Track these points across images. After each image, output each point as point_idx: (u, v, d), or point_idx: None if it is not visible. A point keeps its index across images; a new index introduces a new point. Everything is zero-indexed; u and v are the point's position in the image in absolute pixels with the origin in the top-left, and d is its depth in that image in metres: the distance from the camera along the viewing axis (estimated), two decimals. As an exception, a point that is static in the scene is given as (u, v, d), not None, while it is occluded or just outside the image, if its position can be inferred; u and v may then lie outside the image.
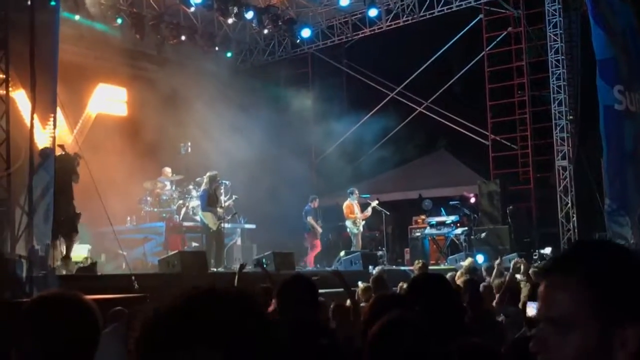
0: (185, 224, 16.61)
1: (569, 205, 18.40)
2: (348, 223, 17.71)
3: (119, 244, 14.48)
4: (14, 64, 10.92)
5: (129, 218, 16.94)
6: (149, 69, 18.37)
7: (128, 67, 18.37)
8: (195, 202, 16.43)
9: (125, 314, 7.09)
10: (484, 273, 11.75)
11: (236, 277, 7.95)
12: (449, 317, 4.02)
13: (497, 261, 12.20)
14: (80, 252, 15.02)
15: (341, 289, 10.75)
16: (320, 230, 17.77)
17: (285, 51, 22.42)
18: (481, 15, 20.68)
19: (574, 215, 18.29)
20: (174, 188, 17.35)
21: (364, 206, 17.87)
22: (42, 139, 11.44)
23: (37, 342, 2.29)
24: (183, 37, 19.47)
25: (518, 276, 11.46)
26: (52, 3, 11.91)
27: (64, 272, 13.02)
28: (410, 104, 21.73)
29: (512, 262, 12.10)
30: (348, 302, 8.00)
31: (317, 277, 7.83)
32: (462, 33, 20.83)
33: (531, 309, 8.71)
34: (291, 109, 20.43)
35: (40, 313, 2.38)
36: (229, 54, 21.37)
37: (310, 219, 17.65)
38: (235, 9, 18.84)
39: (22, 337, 2.33)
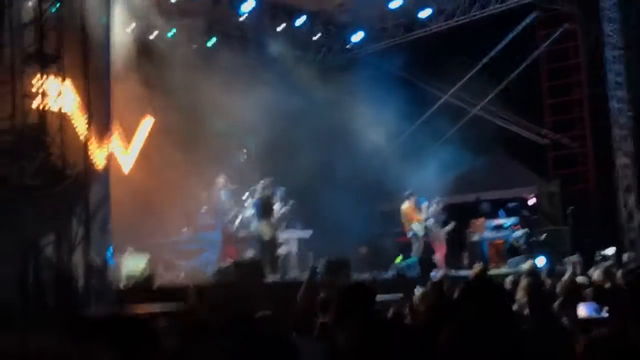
0: (241, 233, 16.59)
1: (631, 204, 17.91)
2: (414, 226, 17.42)
3: (175, 255, 14.57)
4: (69, 80, 11.03)
5: (185, 229, 17.01)
6: (201, 78, 18.40)
7: (180, 79, 18.45)
8: (250, 211, 16.41)
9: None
10: (545, 276, 11.46)
11: (305, 284, 7.66)
12: (503, 323, 3.86)
13: (573, 259, 11.93)
14: (138, 263, 15.13)
15: (400, 295, 10.63)
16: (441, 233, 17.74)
17: (336, 56, 22.34)
18: (535, 13, 20.29)
19: (637, 215, 17.80)
20: (229, 197, 17.36)
21: (419, 210, 17.66)
22: (97, 152, 11.54)
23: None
24: (234, 46, 19.55)
25: (579, 278, 11.16)
26: (104, 19, 12.05)
27: (123, 284, 13.18)
28: (464, 105, 21.45)
29: (572, 264, 11.81)
30: (407, 309, 7.86)
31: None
32: (516, 31, 20.46)
33: (582, 311, 8.46)
34: (343, 115, 20.31)
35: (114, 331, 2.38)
36: (280, 61, 21.37)
37: (432, 222, 17.63)
38: (286, 16, 18.87)
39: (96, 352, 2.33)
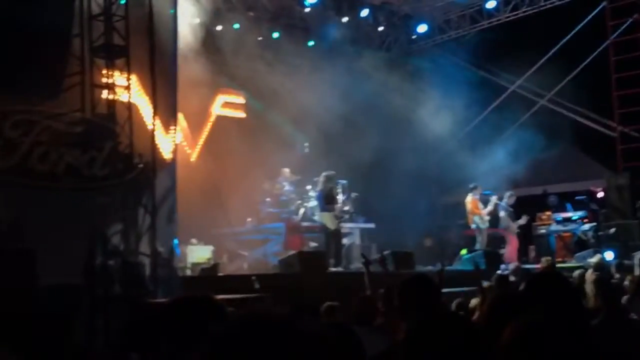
0: (304, 224, 16.65)
1: None
2: (476, 219, 17.35)
3: (239, 245, 14.70)
4: (136, 71, 11.20)
5: (249, 219, 17.14)
6: (264, 71, 18.51)
7: (245, 70, 18.58)
8: (313, 203, 16.45)
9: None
10: (614, 270, 11.23)
11: (365, 275, 7.58)
12: (572, 318, 3.78)
13: None
14: (203, 253, 15.34)
15: (465, 288, 10.52)
16: (513, 226, 17.71)
17: (402, 47, 22.24)
18: (604, 3, 19.84)
19: None
20: (292, 189, 17.44)
21: (484, 203, 17.50)
22: (163, 143, 11.71)
23: (173, 342, 2.30)
24: (298, 37, 19.62)
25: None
26: (172, 11, 12.20)
27: (188, 273, 13.37)
28: (531, 97, 21.12)
29: (638, 257, 11.61)
30: (473, 301, 7.78)
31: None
32: (585, 22, 20.04)
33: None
34: (408, 106, 20.19)
35: (178, 314, 2.40)
36: (344, 52, 21.36)
37: (503, 215, 17.61)
38: (350, 7, 18.84)
39: (157, 337, 2.35)
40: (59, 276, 8.54)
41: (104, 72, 10.68)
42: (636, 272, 10.69)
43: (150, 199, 10.93)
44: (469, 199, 17.44)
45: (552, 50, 20.40)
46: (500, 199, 17.76)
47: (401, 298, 4.44)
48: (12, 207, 9.40)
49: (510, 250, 17.47)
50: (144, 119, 11.39)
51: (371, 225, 18.10)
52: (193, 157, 18.03)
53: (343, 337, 3.29)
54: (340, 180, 16.06)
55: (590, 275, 9.73)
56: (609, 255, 15.44)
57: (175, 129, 12.39)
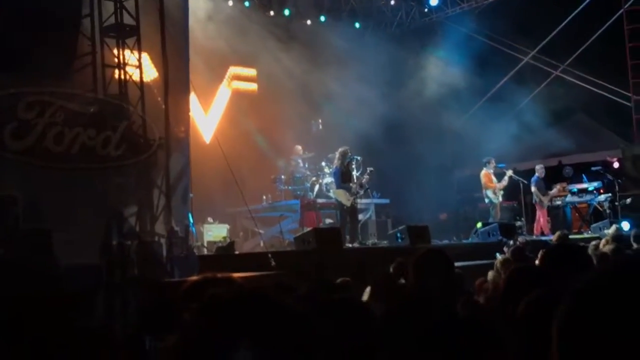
0: (319, 200, 16.66)
1: None
2: (489, 193, 17.36)
3: (255, 223, 14.72)
4: (147, 50, 11.17)
5: (264, 197, 17.18)
6: (277, 48, 18.47)
7: (257, 47, 18.54)
8: (328, 179, 16.44)
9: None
10: (632, 240, 11.17)
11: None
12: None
13: None
14: (219, 231, 15.40)
15: (479, 262, 10.53)
16: (544, 199, 17.76)
17: (414, 21, 22.13)
18: (618, -30, 19.64)
19: None
20: (306, 166, 17.45)
21: (499, 176, 17.46)
22: (177, 122, 11.70)
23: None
24: (311, 15, 19.59)
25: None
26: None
27: (205, 252, 13.42)
28: (546, 67, 20.97)
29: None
30: (490, 275, 7.77)
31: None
32: (598, -10, 19.84)
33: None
34: (421, 79, 20.11)
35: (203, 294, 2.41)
36: (357, 26, 21.27)
37: (534, 189, 17.72)
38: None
39: (172, 320, 2.34)
40: (76, 257, 8.59)
41: (115, 51, 10.67)
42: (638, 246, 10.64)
43: (164, 179, 10.94)
44: (483, 173, 17.44)
45: (566, 21, 20.23)
46: (515, 171, 17.70)
47: (415, 271, 4.45)
48: (28, 188, 9.44)
49: (542, 223, 17.52)
50: (157, 99, 11.38)
51: (386, 201, 18.10)
52: (208, 136, 18.05)
53: (356, 312, 3.30)
54: (355, 156, 16.05)
55: (605, 245, 9.72)
56: (626, 226, 15.39)
57: (188, 108, 12.38)
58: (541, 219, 17.67)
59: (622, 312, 1.10)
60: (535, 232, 17.40)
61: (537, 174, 17.86)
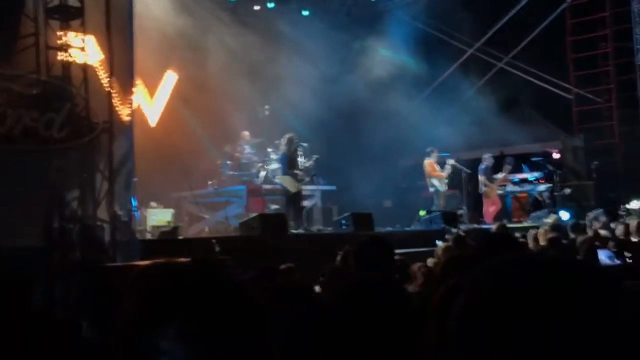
0: (265, 186, 16.66)
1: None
2: (434, 181, 17.52)
3: (200, 208, 14.68)
4: (92, 32, 11.05)
5: (210, 182, 17.12)
6: (225, 33, 18.36)
7: (204, 31, 18.39)
8: (274, 165, 16.46)
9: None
10: (569, 230, 11.46)
11: None
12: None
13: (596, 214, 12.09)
14: (164, 216, 15.30)
15: (421, 249, 10.68)
16: (491, 187, 17.99)
17: (362, 9, 22.15)
18: (561, -35, 19.97)
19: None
20: (253, 151, 17.43)
21: (441, 165, 17.66)
22: (121, 106, 11.60)
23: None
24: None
25: (602, 232, 11.20)
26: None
27: (148, 237, 13.35)
28: (490, 59, 21.23)
29: (594, 217, 11.91)
30: (429, 261, 7.90)
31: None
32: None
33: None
34: (367, 69, 20.22)
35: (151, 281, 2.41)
36: (305, 13, 21.23)
37: (482, 178, 17.93)
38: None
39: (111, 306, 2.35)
40: (17, 239, 8.49)
41: (59, 33, 10.52)
42: (589, 233, 10.93)
43: (108, 162, 10.86)
44: (427, 162, 17.61)
45: (511, 13, 20.49)
46: (458, 160, 17.91)
47: (356, 259, 4.52)
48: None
49: (493, 210, 17.78)
50: (101, 82, 11.27)
51: (332, 188, 18.19)
52: (154, 121, 17.90)
53: (302, 298, 3.36)
54: (301, 143, 16.08)
55: (543, 234, 9.96)
56: (565, 216, 15.75)
57: (133, 92, 12.28)
58: (490, 207, 17.90)
59: (504, 314, 1.13)
60: (488, 219, 17.60)
61: (485, 163, 18.05)
